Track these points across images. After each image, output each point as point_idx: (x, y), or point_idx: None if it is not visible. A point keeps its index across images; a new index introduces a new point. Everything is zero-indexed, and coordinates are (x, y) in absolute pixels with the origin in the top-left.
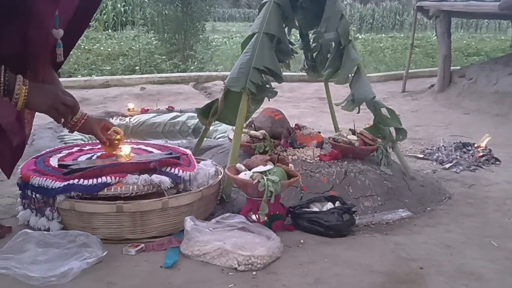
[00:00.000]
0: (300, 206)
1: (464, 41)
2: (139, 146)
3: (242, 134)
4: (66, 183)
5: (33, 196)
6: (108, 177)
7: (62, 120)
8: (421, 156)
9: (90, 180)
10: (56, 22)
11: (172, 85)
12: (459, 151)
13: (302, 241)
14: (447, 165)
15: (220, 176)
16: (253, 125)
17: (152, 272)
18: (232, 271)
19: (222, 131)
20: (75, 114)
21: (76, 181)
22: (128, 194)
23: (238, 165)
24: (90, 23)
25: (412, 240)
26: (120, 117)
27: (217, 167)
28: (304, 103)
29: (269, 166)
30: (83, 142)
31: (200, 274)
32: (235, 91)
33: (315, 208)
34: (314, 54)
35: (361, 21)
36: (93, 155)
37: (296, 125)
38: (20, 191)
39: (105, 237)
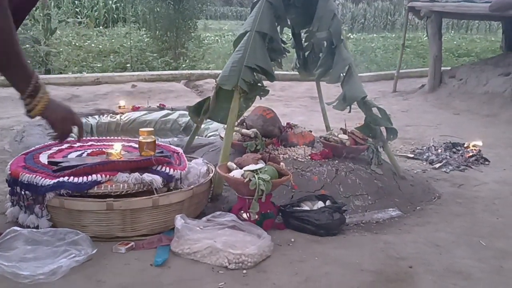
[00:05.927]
0: (291, 204)
1: (455, 42)
2: (129, 144)
3: (234, 133)
4: (56, 180)
5: (23, 193)
6: (99, 175)
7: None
8: (411, 155)
9: (80, 178)
10: None
11: (163, 83)
12: (449, 151)
13: (292, 239)
14: (437, 165)
15: (211, 175)
16: (244, 123)
17: (142, 270)
18: (223, 269)
19: (213, 129)
20: (81, 136)
21: (66, 178)
22: (118, 193)
23: (229, 163)
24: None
25: (402, 239)
26: (111, 114)
27: (208, 165)
28: (296, 102)
29: (261, 165)
30: (73, 139)
31: (190, 272)
32: (227, 89)
33: (305, 207)
34: (306, 53)
35: (352, 21)
36: (83, 152)
37: (287, 124)
38: (9, 188)
39: (95, 235)
